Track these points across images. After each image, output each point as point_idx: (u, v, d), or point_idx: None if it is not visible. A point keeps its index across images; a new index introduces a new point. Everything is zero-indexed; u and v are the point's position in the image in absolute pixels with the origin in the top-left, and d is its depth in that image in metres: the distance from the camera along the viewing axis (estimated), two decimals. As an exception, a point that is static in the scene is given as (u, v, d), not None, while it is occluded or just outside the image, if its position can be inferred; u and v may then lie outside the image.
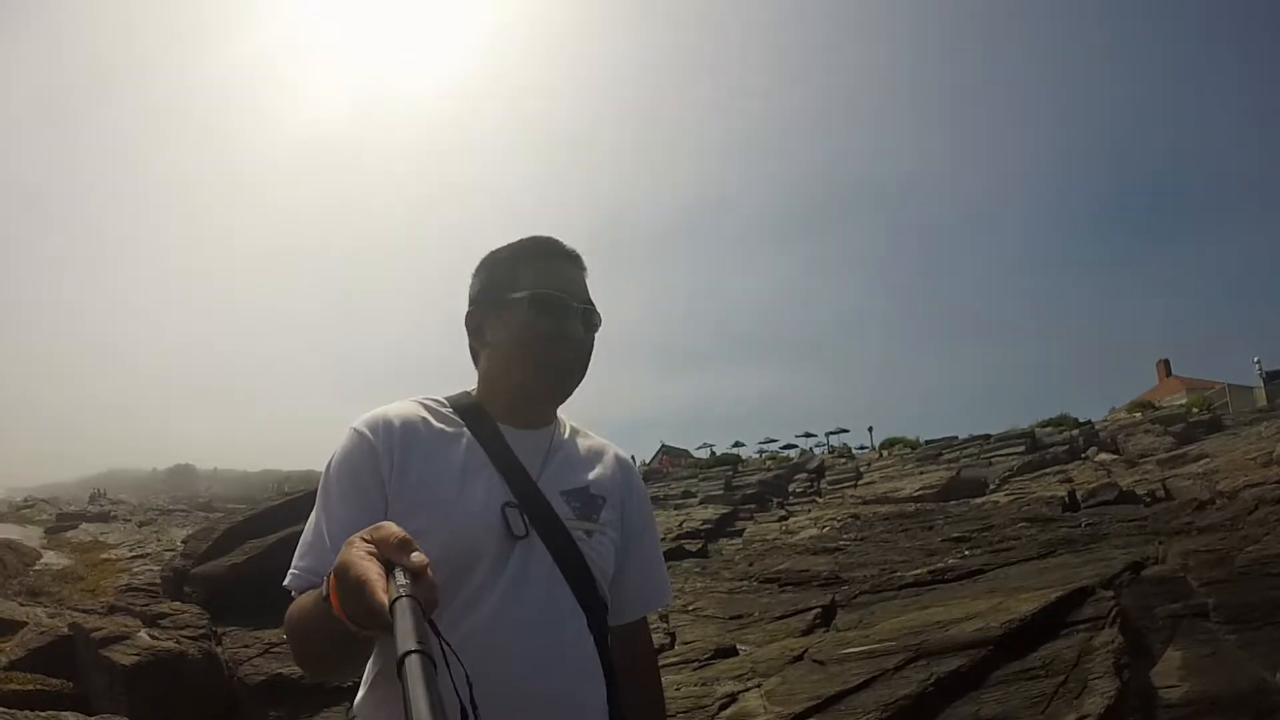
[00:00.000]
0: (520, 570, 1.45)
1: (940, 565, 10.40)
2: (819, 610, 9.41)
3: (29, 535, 19.00)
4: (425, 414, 1.58)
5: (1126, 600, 7.03)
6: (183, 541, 15.56)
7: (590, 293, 1.68)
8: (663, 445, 63.14)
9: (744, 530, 21.12)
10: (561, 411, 1.72)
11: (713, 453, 50.99)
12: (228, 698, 8.66)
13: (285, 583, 1.42)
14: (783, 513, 24.21)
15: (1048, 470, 21.81)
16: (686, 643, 9.09)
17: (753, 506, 25.50)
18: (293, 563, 1.44)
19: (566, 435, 1.69)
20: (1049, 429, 27.87)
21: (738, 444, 54.04)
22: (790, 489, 29.45)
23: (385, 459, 1.48)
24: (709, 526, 21.61)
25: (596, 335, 1.68)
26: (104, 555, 16.13)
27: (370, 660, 1.44)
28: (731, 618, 10.20)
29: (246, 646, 9.19)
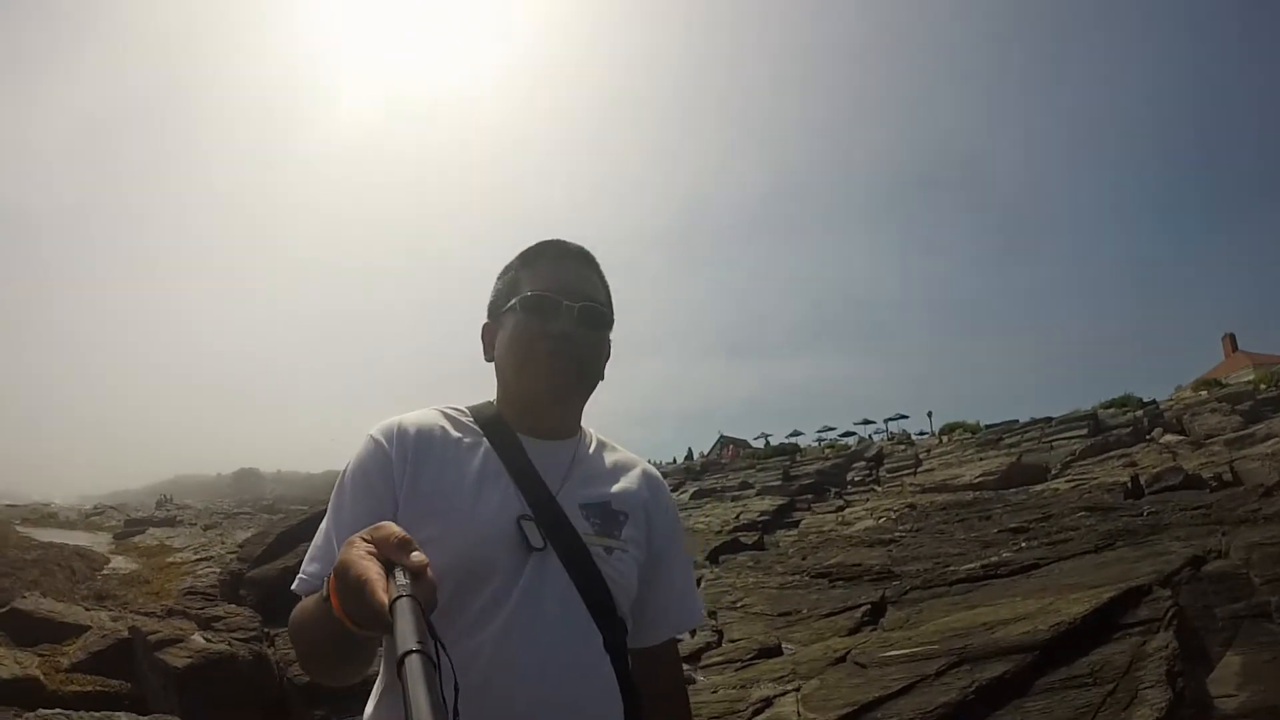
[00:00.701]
0: (534, 585, 1.40)
1: (994, 559, 10.14)
2: (868, 607, 9.24)
3: (98, 541, 19.59)
4: (444, 422, 1.55)
5: (1184, 599, 6.70)
6: (239, 545, 15.88)
7: (606, 290, 1.65)
8: (721, 436, 62.91)
9: (800, 521, 20.91)
10: (590, 425, 1.68)
11: (768, 442, 50.76)
12: (277, 698, 8.82)
13: (293, 587, 1.40)
14: (840, 503, 23.98)
15: (1111, 454, 21.23)
16: (733, 641, 8.99)
17: (810, 497, 25.33)
18: (301, 567, 1.41)
19: (592, 448, 1.64)
20: (1112, 410, 27.16)
21: (796, 433, 53.66)
22: (849, 478, 29.18)
23: (398, 466, 1.45)
24: (765, 518, 21.50)
25: (611, 332, 1.64)
26: (169, 559, 16.59)
27: (380, 674, 1.43)
28: (780, 614, 10.08)
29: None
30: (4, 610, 9.26)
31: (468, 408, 1.62)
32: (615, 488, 1.59)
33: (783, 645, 8.51)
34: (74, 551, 15.60)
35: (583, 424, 1.67)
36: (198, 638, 8.89)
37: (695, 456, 54.79)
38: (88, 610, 10.09)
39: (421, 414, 1.57)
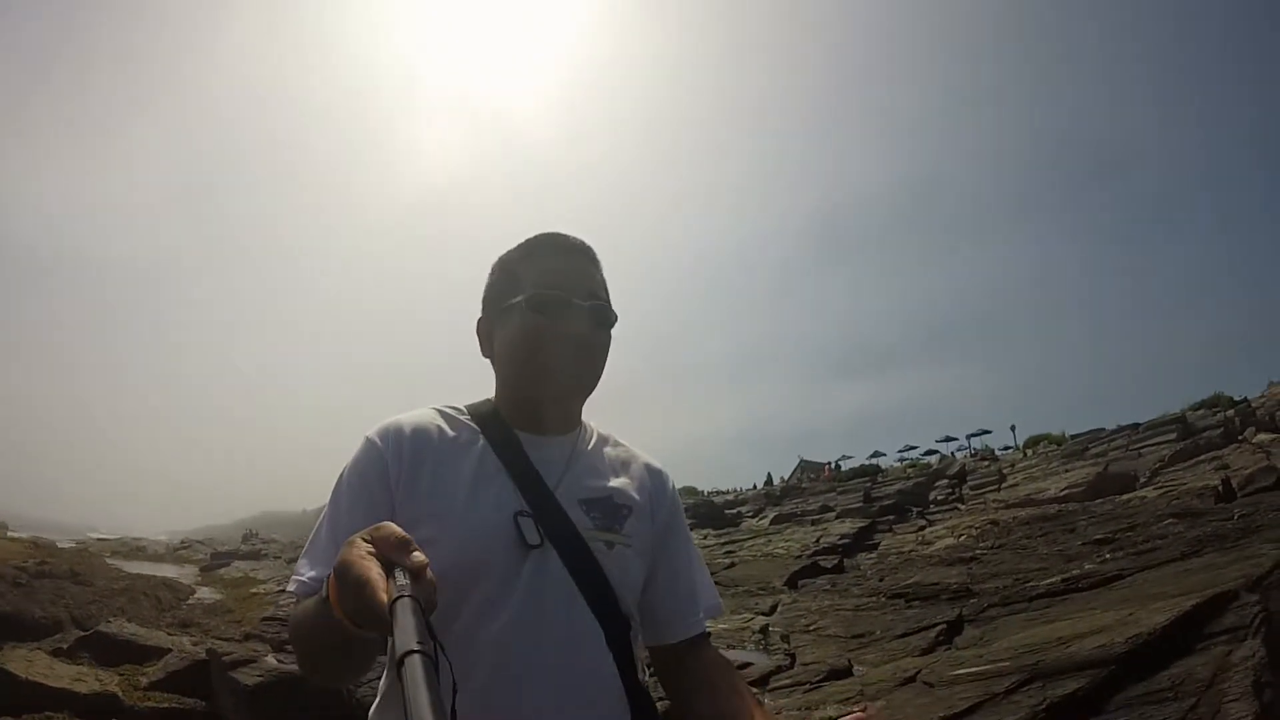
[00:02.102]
0: (533, 582, 1.38)
1: (1076, 572, 9.78)
2: (943, 627, 8.99)
3: (184, 573, 20.34)
4: (440, 421, 1.52)
5: (1275, 604, 6.31)
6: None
7: (606, 287, 1.59)
8: (801, 460, 62.17)
9: (880, 543, 20.47)
10: (591, 419, 1.64)
11: (837, 466, 50.08)
12: (345, 715, 8.93)
13: (289, 588, 1.38)
14: (922, 523, 23.42)
15: (1201, 458, 20.36)
16: (805, 664, 8.77)
17: (891, 518, 24.85)
18: (296, 568, 1.39)
19: (592, 443, 1.60)
20: (1202, 411, 26.09)
21: (877, 454, 52.84)
22: (931, 497, 28.58)
23: (394, 466, 1.43)
24: (846, 541, 21.12)
25: (613, 331, 1.58)
26: (252, 590, 17.12)
27: (384, 676, 1.41)
28: (853, 636, 9.87)
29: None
30: (89, 633, 9.70)
31: (465, 406, 1.58)
32: (617, 482, 1.55)
33: (853, 667, 8.28)
34: (161, 582, 16.27)
35: (584, 419, 1.62)
36: (270, 659, 9.10)
37: (775, 481, 54.30)
38: (170, 635, 10.49)
39: (418, 414, 1.54)
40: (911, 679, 6.79)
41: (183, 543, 34.30)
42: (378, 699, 1.44)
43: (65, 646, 9.27)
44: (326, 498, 1.47)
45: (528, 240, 1.57)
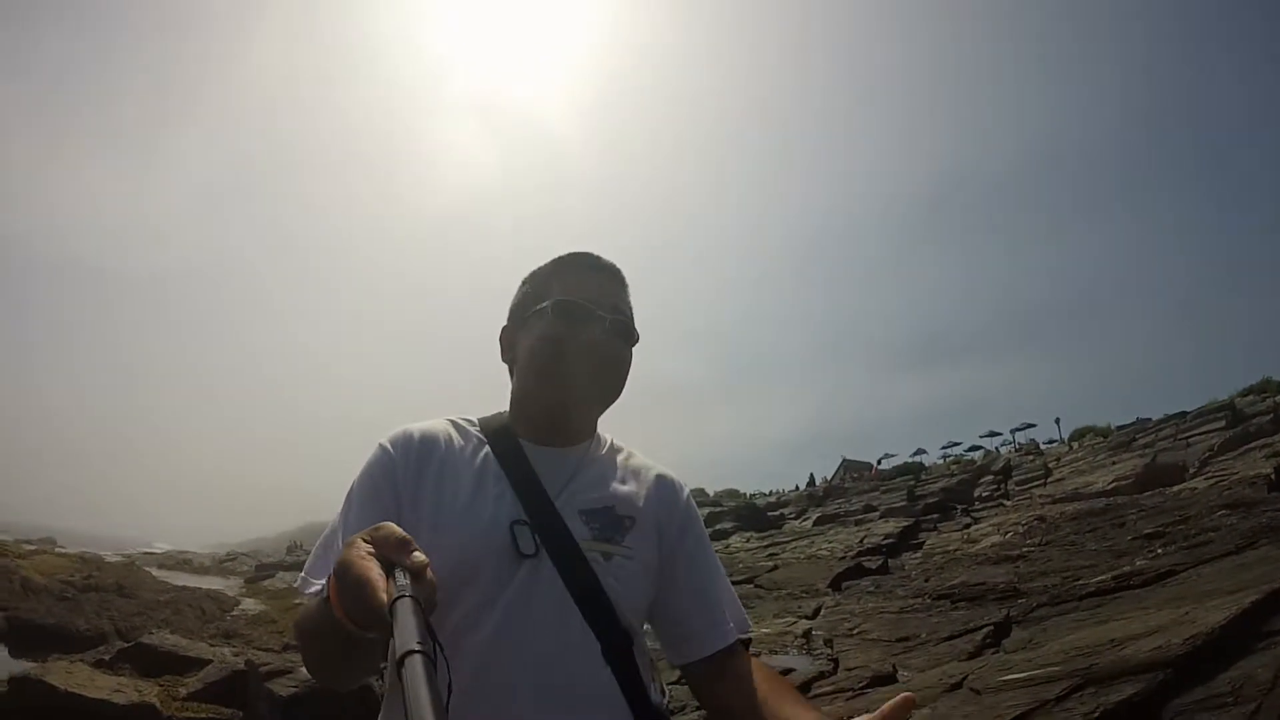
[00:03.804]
0: (524, 592, 1.38)
1: (1127, 569, 9.51)
2: (990, 629, 8.77)
3: (229, 585, 20.65)
4: (450, 430, 1.55)
5: (1337, 601, 6.05)
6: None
7: (632, 309, 1.62)
8: (844, 460, 61.74)
9: (925, 542, 20.17)
10: (607, 431, 1.66)
11: (879, 464, 49.58)
12: (379, 725, 9.03)
13: (295, 585, 1.41)
14: (967, 520, 23.06)
15: (1252, 445, 19.91)
16: (849, 669, 8.60)
17: (936, 516, 24.53)
18: (304, 569, 1.43)
19: (602, 454, 1.61)
20: (1251, 398, 25.60)
21: (919, 451, 52.41)
22: (976, 493, 28.25)
23: (402, 472, 1.46)
24: (890, 541, 20.87)
25: (634, 350, 1.62)
26: (296, 601, 17.14)
27: (386, 676, 1.41)
28: (898, 640, 9.67)
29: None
30: (130, 645, 9.96)
31: (477, 418, 1.61)
32: (621, 492, 1.54)
33: (898, 672, 8.09)
34: (205, 594, 16.63)
35: (599, 430, 1.64)
36: (306, 670, 9.36)
37: (817, 482, 53.97)
38: (211, 646, 10.73)
39: (430, 423, 1.56)
40: (958, 685, 6.57)
41: (229, 555, 34.91)
42: (383, 701, 1.45)
43: (107, 658, 9.51)
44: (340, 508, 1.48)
45: (558, 257, 1.61)
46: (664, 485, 1.61)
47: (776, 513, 34.74)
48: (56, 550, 24.19)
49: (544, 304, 1.54)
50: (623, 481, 1.56)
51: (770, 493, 51.87)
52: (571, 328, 1.51)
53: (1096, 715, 5.11)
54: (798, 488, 52.55)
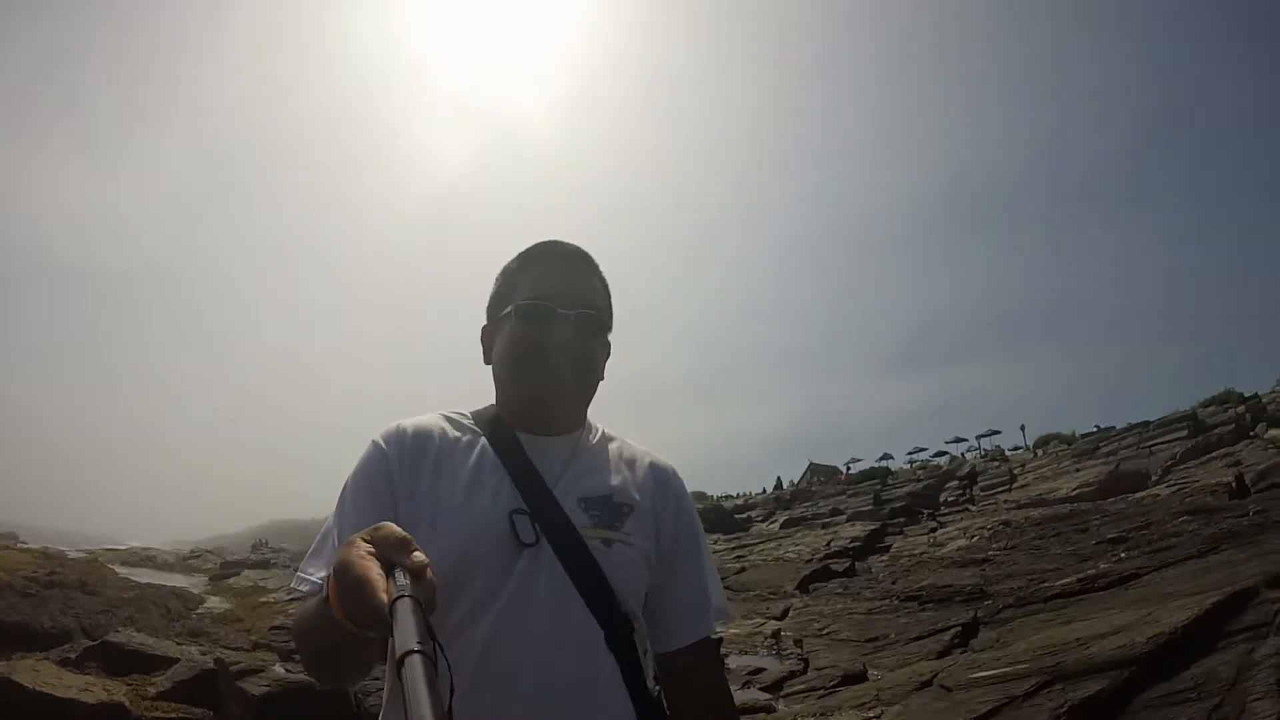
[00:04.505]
0: (526, 581, 1.37)
1: (1092, 572, 9.69)
2: (958, 629, 8.91)
3: (194, 583, 20.36)
4: (444, 424, 1.55)
5: (1296, 601, 6.22)
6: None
7: (605, 290, 1.63)
8: (811, 463, 62.00)
9: (892, 546, 20.35)
10: (597, 419, 1.65)
11: (848, 468, 49.89)
12: (351, 725, 8.91)
13: (292, 584, 1.41)
14: (933, 524, 23.29)
15: (1214, 454, 20.32)
16: (819, 669, 8.69)
17: (902, 520, 24.73)
18: (302, 568, 1.41)
19: (595, 442, 1.60)
20: (1212, 408, 26.12)
21: (886, 456, 52.76)
22: (942, 498, 28.53)
23: (397, 467, 1.45)
24: (857, 544, 20.99)
25: (609, 336, 1.62)
26: (262, 599, 17.13)
27: (386, 678, 1.40)
28: (867, 640, 9.80)
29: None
30: (97, 643, 9.76)
31: (470, 411, 1.60)
32: (618, 480, 1.54)
33: (868, 671, 8.20)
34: (170, 592, 16.35)
35: (589, 419, 1.63)
36: (278, 668, 9.25)
37: (785, 485, 54.16)
38: (178, 644, 10.53)
39: (422, 417, 1.56)
40: (928, 683, 6.70)
41: (192, 552, 34.35)
42: (384, 702, 1.44)
43: (73, 656, 9.29)
44: (335, 506, 1.46)
45: (526, 249, 1.61)
46: (659, 473, 1.61)
47: (744, 515, 34.79)
48: (19, 546, 23.78)
49: (508, 308, 1.55)
50: (618, 470, 1.56)
51: (737, 495, 51.95)
52: (539, 329, 1.51)
53: (1064, 710, 5.25)
54: (765, 491, 52.61)
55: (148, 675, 8.84)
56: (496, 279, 1.63)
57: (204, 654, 9.73)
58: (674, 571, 1.55)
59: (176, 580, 19.89)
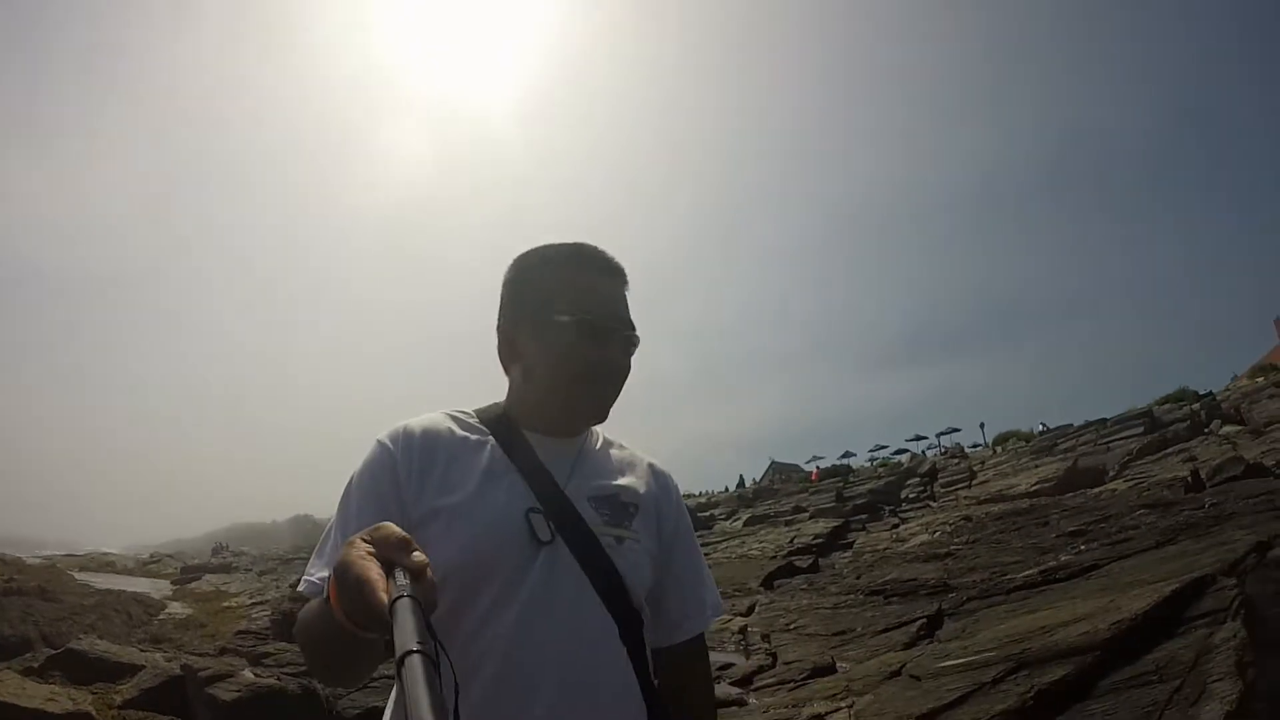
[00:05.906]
0: (544, 579, 1.39)
1: (1053, 564, 9.87)
2: (924, 621, 9.02)
3: (156, 588, 20.10)
4: (450, 423, 1.55)
5: (1251, 587, 6.37)
6: (291, 586, 16.10)
7: (630, 308, 1.61)
8: (773, 462, 62.44)
9: (855, 542, 20.54)
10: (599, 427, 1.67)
11: (818, 468, 50.19)
12: (326, 729, 8.82)
13: (299, 588, 1.40)
14: (895, 521, 23.55)
15: (1170, 450, 20.76)
16: (787, 663, 8.77)
17: (865, 517, 24.96)
18: (307, 569, 1.40)
19: (598, 444, 1.63)
20: (1168, 406, 26.69)
21: (847, 454, 53.22)
22: (903, 495, 28.79)
23: (404, 467, 1.44)
24: (820, 541, 21.17)
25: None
26: (225, 604, 16.98)
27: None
28: (834, 634, 9.89)
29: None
30: (60, 651, 9.57)
31: (474, 410, 1.61)
32: (623, 480, 1.58)
33: (837, 664, 8.30)
34: (131, 597, 16.17)
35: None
36: (247, 673, 9.07)
37: (747, 484, 54.43)
38: (142, 651, 10.38)
39: (428, 417, 1.56)
40: (897, 673, 6.80)
41: (152, 556, 33.84)
42: (389, 706, 1.44)
43: (36, 666, 9.11)
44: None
45: (560, 248, 1.58)
46: (659, 475, 1.66)
47: (707, 514, 34.81)
48: (-27, 553, 23.34)
49: (565, 317, 1.50)
50: (622, 471, 1.60)
51: (700, 494, 52.11)
52: (602, 350, 1.52)
53: (1032, 695, 5.38)
54: (727, 489, 52.85)
55: (113, 683, 8.71)
56: (521, 270, 1.60)
57: (169, 660, 9.60)
58: (674, 568, 1.60)
59: (137, 585, 19.62)
